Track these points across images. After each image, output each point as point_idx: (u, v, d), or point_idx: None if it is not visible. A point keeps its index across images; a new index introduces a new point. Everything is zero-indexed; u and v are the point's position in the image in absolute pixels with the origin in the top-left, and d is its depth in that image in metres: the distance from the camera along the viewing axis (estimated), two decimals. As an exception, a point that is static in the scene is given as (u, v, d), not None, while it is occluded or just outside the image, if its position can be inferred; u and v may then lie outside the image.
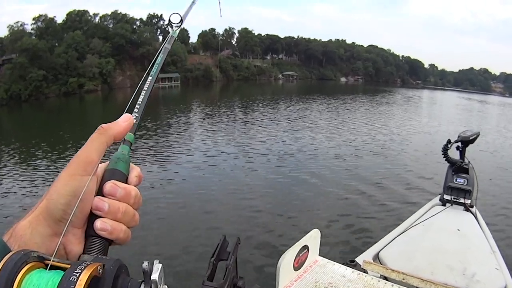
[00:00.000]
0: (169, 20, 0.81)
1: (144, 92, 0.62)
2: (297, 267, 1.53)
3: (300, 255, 1.53)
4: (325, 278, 1.55)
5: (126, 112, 0.56)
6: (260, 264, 5.04)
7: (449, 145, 3.17)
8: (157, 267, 0.38)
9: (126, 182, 0.50)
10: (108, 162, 0.51)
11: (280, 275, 1.40)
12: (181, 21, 0.82)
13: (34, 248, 0.38)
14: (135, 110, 0.59)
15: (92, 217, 0.46)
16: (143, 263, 0.39)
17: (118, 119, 0.53)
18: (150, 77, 0.66)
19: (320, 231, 1.66)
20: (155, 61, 0.70)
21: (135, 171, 0.52)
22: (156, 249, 5.45)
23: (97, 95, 41.80)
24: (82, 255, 0.44)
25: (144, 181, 0.56)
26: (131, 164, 0.52)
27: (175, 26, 0.81)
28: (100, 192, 0.47)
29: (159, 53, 0.72)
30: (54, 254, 0.39)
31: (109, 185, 0.47)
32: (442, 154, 3.22)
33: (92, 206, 0.46)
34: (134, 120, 0.56)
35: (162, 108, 28.67)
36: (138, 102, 0.60)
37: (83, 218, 0.45)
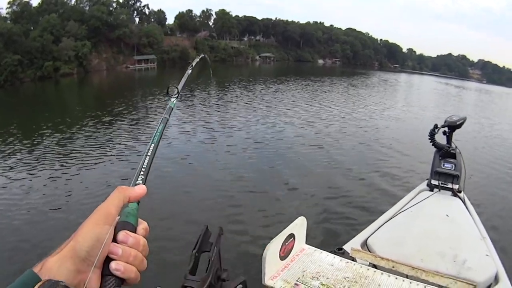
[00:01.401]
0: (167, 91, 0.96)
1: (148, 157, 0.71)
2: (283, 256, 1.50)
3: (286, 244, 1.50)
4: (312, 267, 1.52)
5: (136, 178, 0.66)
6: (245, 254, 4.97)
7: (435, 130, 3.14)
8: None
9: (135, 233, 0.59)
10: (120, 215, 0.59)
11: (266, 265, 1.38)
12: (178, 93, 0.98)
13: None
14: (141, 173, 0.67)
15: (108, 259, 0.54)
16: None
17: (135, 187, 0.63)
18: (152, 145, 0.75)
19: (306, 219, 1.63)
20: (157, 130, 0.81)
21: (143, 225, 0.61)
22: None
23: (72, 79, 40.99)
24: None
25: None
26: (139, 219, 0.61)
27: (173, 97, 0.96)
28: (114, 239, 0.55)
29: (160, 123, 0.84)
30: (85, 284, 0.50)
31: (122, 234, 0.56)
32: (429, 139, 3.19)
33: (109, 250, 0.54)
34: (146, 190, 0.64)
35: (136, 90, 28.42)
36: (143, 166, 0.68)
37: (102, 260, 0.53)
